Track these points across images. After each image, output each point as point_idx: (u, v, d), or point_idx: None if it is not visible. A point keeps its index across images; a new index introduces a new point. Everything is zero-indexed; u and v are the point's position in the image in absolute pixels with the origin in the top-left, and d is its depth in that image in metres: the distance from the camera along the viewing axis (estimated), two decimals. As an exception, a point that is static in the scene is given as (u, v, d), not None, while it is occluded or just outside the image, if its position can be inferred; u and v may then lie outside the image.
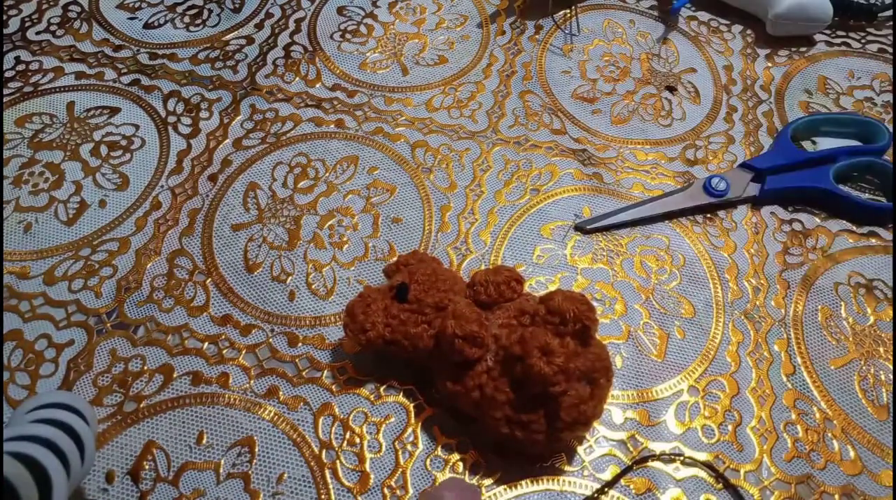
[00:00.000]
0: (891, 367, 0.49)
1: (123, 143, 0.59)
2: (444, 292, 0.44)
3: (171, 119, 0.61)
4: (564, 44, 0.67)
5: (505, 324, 0.42)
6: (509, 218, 0.55)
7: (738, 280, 0.53)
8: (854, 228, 0.56)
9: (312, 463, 0.43)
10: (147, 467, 0.43)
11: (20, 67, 0.64)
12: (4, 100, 0.61)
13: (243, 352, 0.48)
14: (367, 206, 0.55)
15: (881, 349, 0.50)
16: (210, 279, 0.51)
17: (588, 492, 0.43)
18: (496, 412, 0.40)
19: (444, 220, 0.55)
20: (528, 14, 0.71)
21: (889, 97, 0.66)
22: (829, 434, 0.46)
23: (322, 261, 0.52)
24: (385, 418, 0.45)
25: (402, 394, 0.46)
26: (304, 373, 0.47)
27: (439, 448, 0.44)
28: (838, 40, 0.71)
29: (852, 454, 0.45)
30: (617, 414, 0.46)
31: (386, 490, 0.42)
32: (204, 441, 0.44)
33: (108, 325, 0.49)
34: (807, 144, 0.61)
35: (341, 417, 0.45)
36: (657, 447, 0.45)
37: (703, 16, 0.73)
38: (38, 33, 0.67)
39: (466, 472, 0.43)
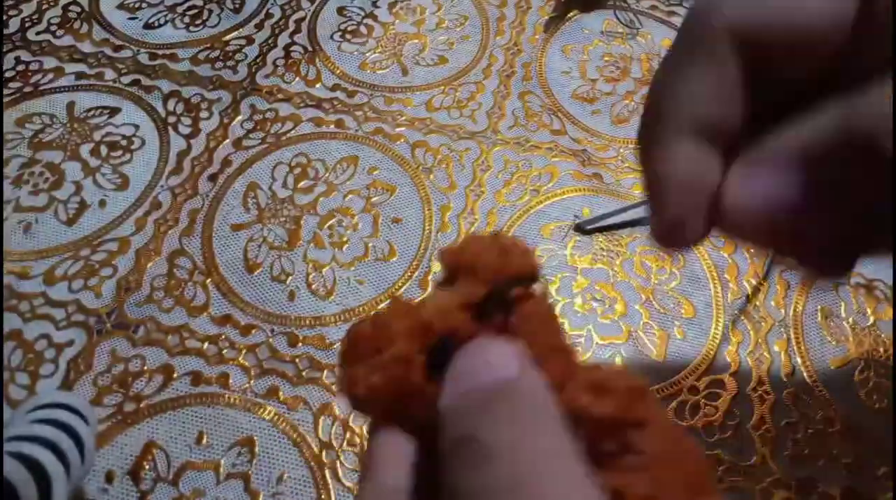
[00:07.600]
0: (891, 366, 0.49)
1: (123, 143, 0.59)
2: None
3: (171, 119, 0.61)
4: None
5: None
6: (509, 218, 0.55)
7: (738, 280, 0.53)
8: (854, 228, 0.56)
9: (312, 463, 0.43)
10: (147, 467, 0.43)
11: (20, 67, 0.64)
12: (4, 100, 0.61)
13: (243, 352, 0.48)
14: (367, 206, 0.55)
15: (881, 349, 0.50)
16: (210, 279, 0.51)
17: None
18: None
19: (444, 220, 0.55)
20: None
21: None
22: (829, 434, 0.46)
23: (322, 261, 0.52)
24: (385, 418, 0.45)
25: (402, 394, 0.46)
26: (304, 373, 0.47)
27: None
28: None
29: (852, 453, 0.45)
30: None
31: (386, 490, 0.42)
32: (204, 441, 0.44)
33: (108, 325, 0.49)
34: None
35: (341, 417, 0.45)
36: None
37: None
38: (38, 33, 0.67)
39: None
